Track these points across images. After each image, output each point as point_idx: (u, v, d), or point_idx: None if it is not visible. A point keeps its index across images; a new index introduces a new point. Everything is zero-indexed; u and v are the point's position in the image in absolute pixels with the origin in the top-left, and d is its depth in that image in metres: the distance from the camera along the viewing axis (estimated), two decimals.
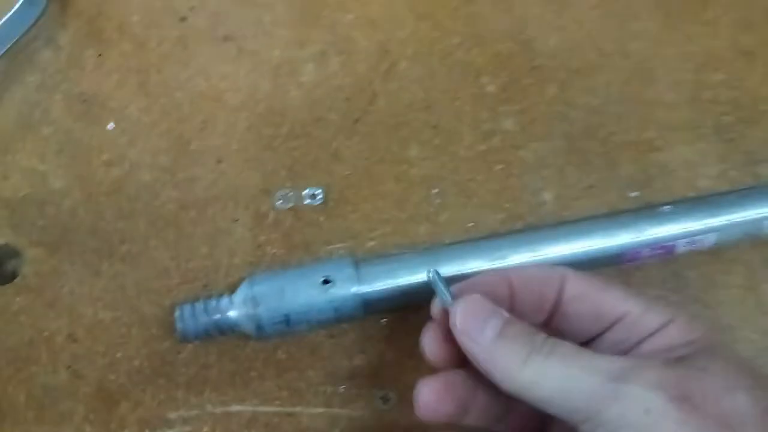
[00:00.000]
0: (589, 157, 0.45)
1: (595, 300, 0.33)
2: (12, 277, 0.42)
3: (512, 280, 0.34)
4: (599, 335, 0.33)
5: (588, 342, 0.33)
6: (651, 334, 0.31)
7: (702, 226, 0.41)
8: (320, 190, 0.43)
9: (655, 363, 0.29)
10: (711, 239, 0.41)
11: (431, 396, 0.32)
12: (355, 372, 0.41)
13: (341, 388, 0.40)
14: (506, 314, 0.31)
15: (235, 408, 0.40)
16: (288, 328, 0.38)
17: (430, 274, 0.34)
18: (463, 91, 0.46)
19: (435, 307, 0.33)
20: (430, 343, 0.33)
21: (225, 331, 0.39)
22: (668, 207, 0.41)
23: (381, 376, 0.40)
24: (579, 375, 0.28)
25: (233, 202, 0.43)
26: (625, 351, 0.32)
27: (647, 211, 0.42)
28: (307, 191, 0.43)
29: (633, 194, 0.44)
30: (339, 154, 0.44)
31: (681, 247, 0.41)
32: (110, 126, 0.44)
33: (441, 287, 0.33)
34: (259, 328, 0.38)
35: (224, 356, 0.40)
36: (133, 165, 0.43)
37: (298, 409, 0.40)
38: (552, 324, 0.34)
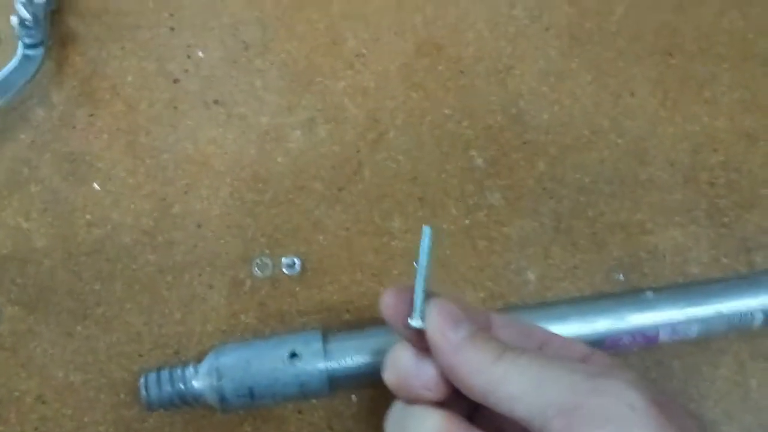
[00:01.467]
0: (575, 237, 0.46)
1: (522, 326, 0.36)
2: None
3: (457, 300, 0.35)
4: None
5: None
6: (582, 360, 0.33)
7: (685, 316, 0.41)
8: (298, 260, 0.45)
9: (626, 368, 0.30)
10: (695, 329, 0.41)
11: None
12: None
13: None
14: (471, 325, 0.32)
15: None
16: (252, 402, 0.40)
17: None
18: (450, 164, 0.48)
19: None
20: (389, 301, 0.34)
21: (189, 401, 0.40)
22: (651, 293, 0.42)
23: None
24: (556, 371, 0.29)
25: (211, 267, 0.45)
26: None
27: (629, 296, 0.42)
28: (285, 260, 0.45)
29: (619, 277, 0.45)
30: (320, 223, 0.46)
31: (663, 336, 0.41)
32: (95, 186, 0.46)
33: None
34: (223, 400, 0.39)
35: (190, 426, 0.42)
36: (115, 226, 0.45)
37: None
38: None
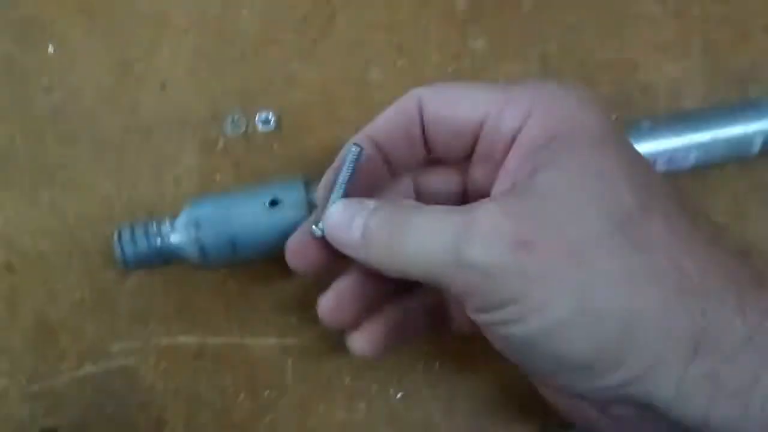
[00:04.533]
0: (565, 79, 0.45)
1: (449, 117, 0.33)
2: None
3: (375, 138, 0.35)
4: (472, 154, 0.34)
5: (466, 164, 0.35)
6: (513, 137, 0.31)
7: (682, 143, 0.41)
8: (272, 115, 0.44)
9: (491, 211, 0.29)
10: (692, 157, 0.41)
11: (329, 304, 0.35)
12: (308, 303, 0.40)
13: (293, 319, 0.41)
14: (371, 205, 0.32)
15: (182, 339, 0.40)
16: (234, 254, 0.39)
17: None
18: (430, 9, 0.46)
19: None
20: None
21: (167, 257, 0.39)
22: (647, 122, 0.41)
23: None
24: (428, 245, 0.29)
25: (180, 127, 0.43)
26: (496, 164, 0.33)
27: (624, 127, 0.42)
28: (259, 116, 0.44)
29: (613, 117, 0.44)
30: (294, 77, 0.45)
31: (661, 165, 0.41)
32: (50, 49, 0.44)
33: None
34: (203, 253, 0.38)
35: (170, 287, 0.41)
36: (74, 90, 0.44)
37: (248, 340, 0.40)
38: (430, 154, 0.35)
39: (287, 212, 0.38)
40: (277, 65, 0.45)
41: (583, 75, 0.45)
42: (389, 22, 0.46)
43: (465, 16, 0.46)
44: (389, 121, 0.35)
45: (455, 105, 0.33)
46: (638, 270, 0.27)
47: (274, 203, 0.39)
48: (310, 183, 0.40)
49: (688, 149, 0.41)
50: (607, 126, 0.31)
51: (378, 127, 0.35)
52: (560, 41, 0.46)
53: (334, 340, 0.40)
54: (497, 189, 0.33)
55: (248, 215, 0.38)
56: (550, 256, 0.27)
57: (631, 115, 0.44)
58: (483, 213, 0.29)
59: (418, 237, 0.30)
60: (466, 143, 0.34)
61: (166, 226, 0.39)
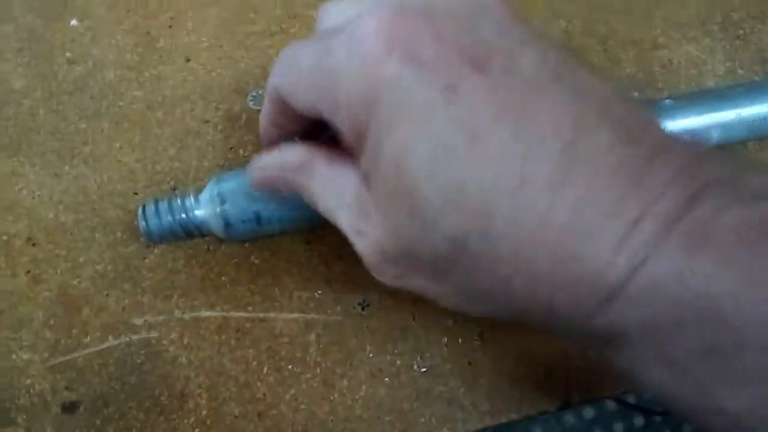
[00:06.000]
0: (587, 56, 0.45)
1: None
2: None
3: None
4: None
5: None
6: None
7: (705, 121, 0.41)
8: None
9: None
10: (715, 136, 0.41)
11: None
12: (332, 278, 0.41)
13: (317, 294, 0.40)
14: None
15: (205, 313, 0.40)
16: (259, 228, 0.39)
17: None
18: None
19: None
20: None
21: (192, 231, 0.39)
22: (669, 100, 0.41)
23: (359, 282, 0.41)
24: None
25: (203, 102, 0.43)
26: None
27: (647, 105, 0.41)
28: None
29: (635, 94, 0.44)
30: None
31: None
32: (73, 23, 0.44)
33: None
34: (228, 225, 0.38)
35: (193, 261, 0.41)
36: (97, 63, 0.43)
37: (271, 314, 0.40)
38: None
39: None
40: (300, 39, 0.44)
41: (605, 52, 0.45)
42: None
43: None
44: (270, 94, 0.33)
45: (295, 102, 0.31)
46: None
47: None
48: None
49: (710, 128, 0.41)
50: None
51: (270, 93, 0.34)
52: (583, 19, 0.46)
53: (358, 316, 0.40)
54: None
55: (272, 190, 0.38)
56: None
57: (652, 91, 0.45)
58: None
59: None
60: None
61: (190, 200, 0.39)
